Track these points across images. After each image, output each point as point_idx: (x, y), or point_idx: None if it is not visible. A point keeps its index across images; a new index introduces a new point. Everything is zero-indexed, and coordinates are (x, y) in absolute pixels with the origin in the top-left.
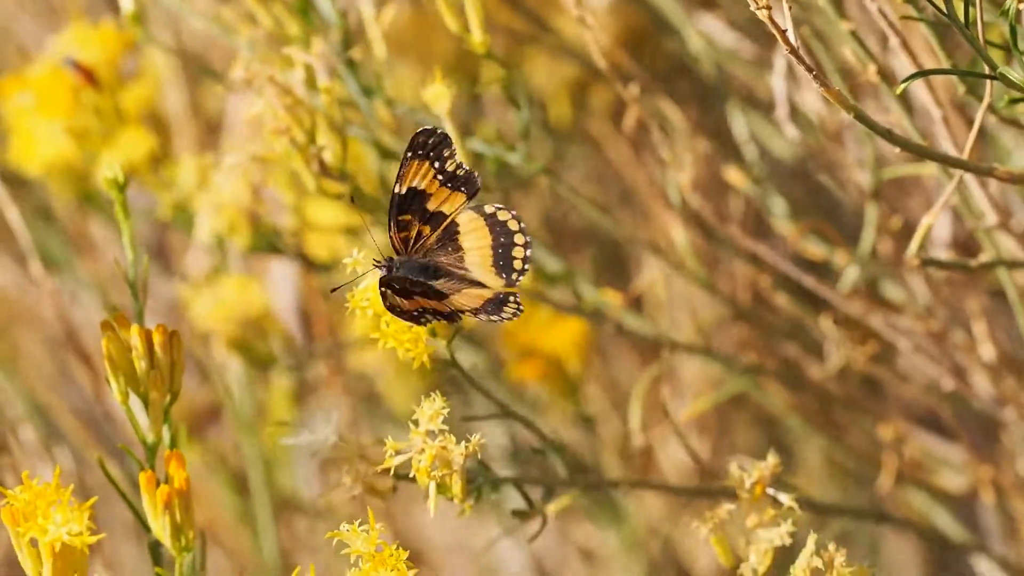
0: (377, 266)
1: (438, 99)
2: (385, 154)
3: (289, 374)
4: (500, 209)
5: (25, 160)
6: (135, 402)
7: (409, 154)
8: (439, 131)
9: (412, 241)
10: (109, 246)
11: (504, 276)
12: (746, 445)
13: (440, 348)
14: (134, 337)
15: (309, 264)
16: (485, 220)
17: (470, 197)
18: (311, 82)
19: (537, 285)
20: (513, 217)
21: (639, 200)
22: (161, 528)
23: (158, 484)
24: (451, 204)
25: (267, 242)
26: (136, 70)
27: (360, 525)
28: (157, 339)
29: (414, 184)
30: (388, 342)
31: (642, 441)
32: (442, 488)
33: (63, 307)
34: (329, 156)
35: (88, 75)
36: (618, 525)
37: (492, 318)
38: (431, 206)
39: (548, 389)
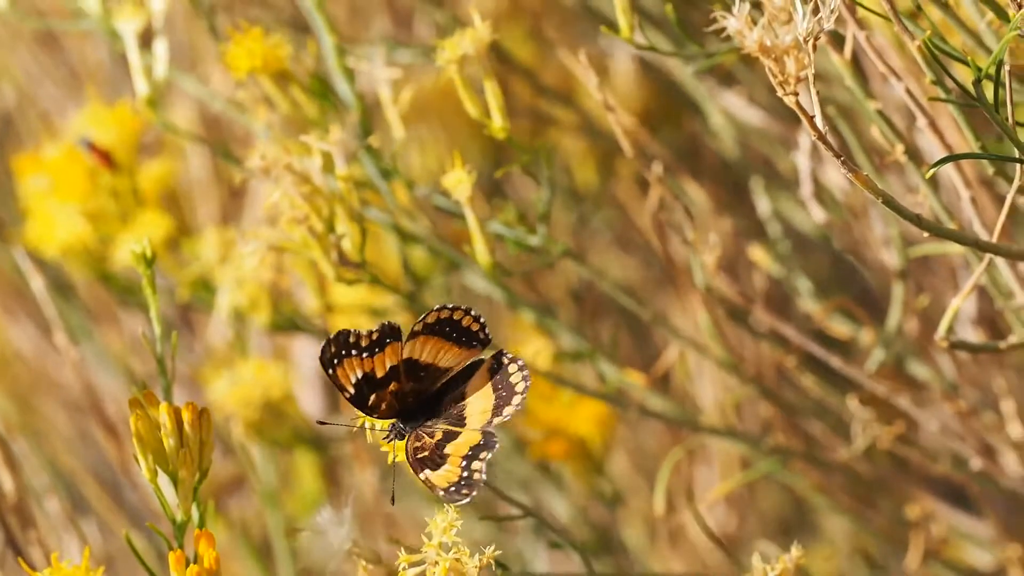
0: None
1: (457, 186)
2: (404, 236)
3: (313, 450)
4: (510, 361)
5: (42, 243)
6: (163, 480)
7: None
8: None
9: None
10: (129, 321)
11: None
12: (773, 520)
13: None
14: (163, 415)
15: None
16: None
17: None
18: (329, 168)
19: (561, 364)
20: (519, 369)
21: (665, 268)
22: None
23: (188, 563)
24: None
25: (288, 321)
26: (156, 144)
27: None
28: (186, 417)
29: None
30: (399, 455)
31: (668, 525)
32: None
33: (86, 376)
34: (348, 245)
35: (104, 157)
36: None
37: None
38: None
39: (572, 468)
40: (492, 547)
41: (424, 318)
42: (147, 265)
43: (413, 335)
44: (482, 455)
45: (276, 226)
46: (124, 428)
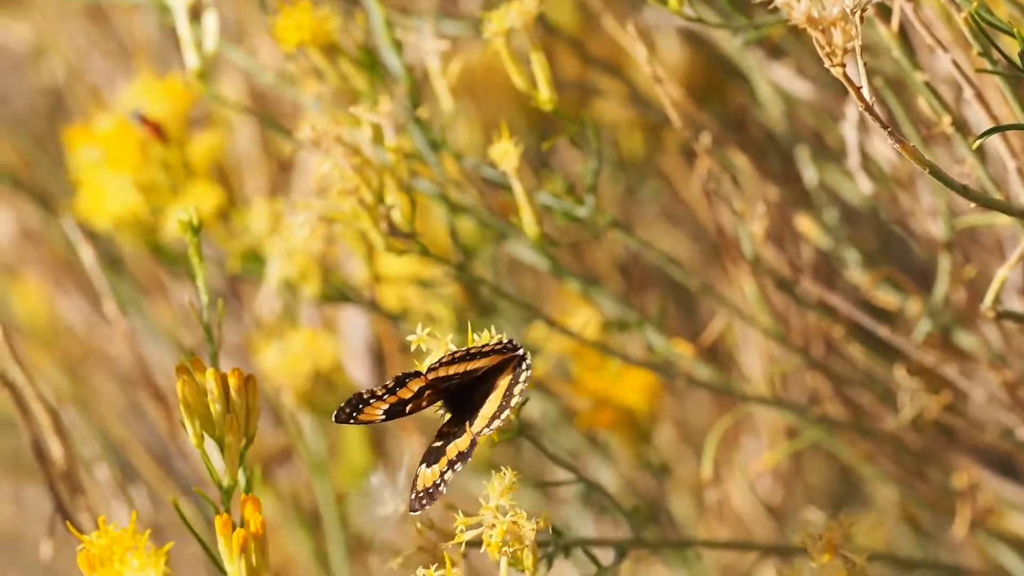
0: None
1: (505, 157)
2: (453, 207)
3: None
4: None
5: (93, 214)
6: (210, 445)
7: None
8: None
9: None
10: (178, 293)
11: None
12: (820, 490)
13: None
14: (209, 381)
15: (381, 313)
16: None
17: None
18: (379, 140)
19: (607, 335)
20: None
21: (712, 239)
22: (237, 572)
23: (234, 528)
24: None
25: (337, 291)
26: (205, 117)
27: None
28: (233, 383)
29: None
30: None
31: (716, 491)
32: (514, 561)
33: (136, 347)
34: (397, 215)
35: (156, 129)
36: (691, 567)
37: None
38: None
39: (619, 438)
40: (544, 514)
41: (441, 359)
42: (194, 233)
43: (432, 370)
44: (456, 466)
45: (326, 197)
46: (173, 398)
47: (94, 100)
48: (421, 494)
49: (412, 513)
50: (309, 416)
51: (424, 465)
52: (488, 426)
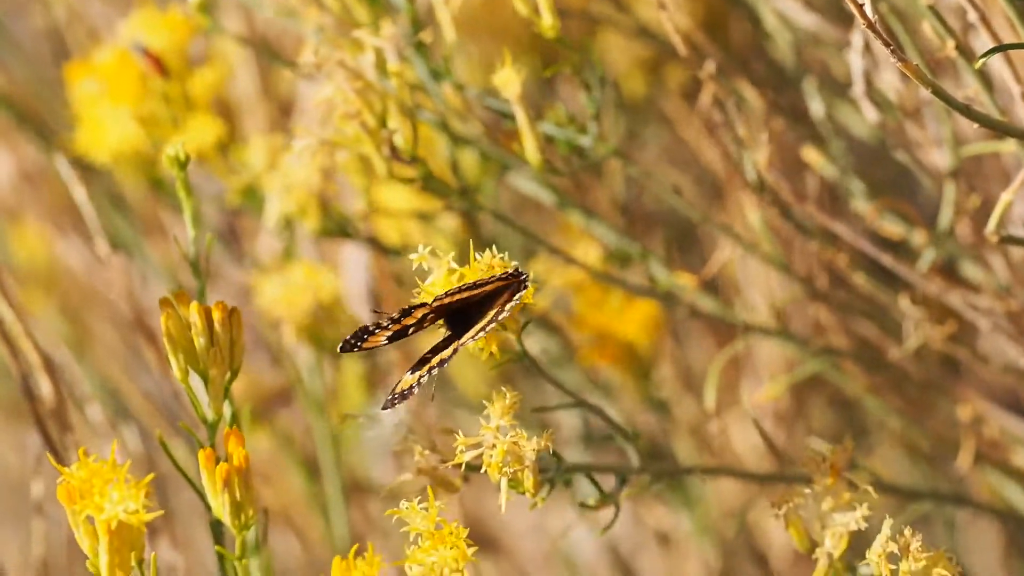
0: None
1: (507, 84)
2: (455, 138)
3: (360, 358)
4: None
5: (93, 148)
6: (196, 381)
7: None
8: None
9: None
10: (179, 231)
11: None
12: (823, 426)
13: (510, 339)
14: (193, 314)
15: (380, 248)
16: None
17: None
18: (381, 66)
19: (609, 267)
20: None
21: (714, 179)
22: (221, 506)
23: (218, 462)
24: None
25: (337, 226)
26: (205, 53)
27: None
28: (216, 316)
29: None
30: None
31: (717, 424)
32: (514, 483)
33: (132, 287)
34: (400, 140)
35: (156, 62)
36: (692, 508)
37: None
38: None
39: (620, 373)
40: (549, 432)
41: (447, 292)
42: (181, 168)
43: (438, 301)
44: (434, 371)
45: (328, 125)
46: None
47: (93, 42)
48: (396, 395)
49: (383, 411)
50: (309, 351)
51: (409, 373)
52: (472, 337)
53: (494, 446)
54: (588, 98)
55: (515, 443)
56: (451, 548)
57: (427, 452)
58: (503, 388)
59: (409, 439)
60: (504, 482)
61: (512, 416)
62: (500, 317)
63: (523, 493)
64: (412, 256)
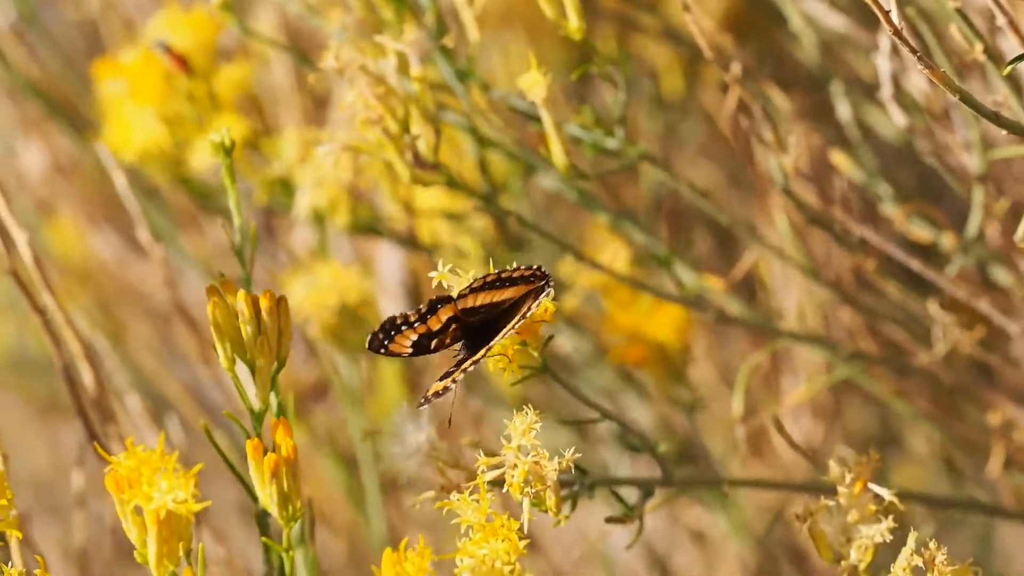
0: None
1: (533, 87)
2: (481, 140)
3: None
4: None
5: (119, 147)
6: (242, 370)
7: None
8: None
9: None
10: (210, 226)
11: None
12: (858, 428)
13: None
14: (240, 303)
15: (411, 245)
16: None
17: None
18: (404, 70)
19: (638, 270)
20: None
21: (750, 177)
22: (268, 497)
23: (265, 452)
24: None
25: (367, 223)
26: (235, 48)
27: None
28: (264, 305)
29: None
30: None
31: (745, 431)
32: (536, 501)
33: (170, 274)
34: (423, 146)
35: (181, 61)
36: (728, 506)
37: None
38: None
39: (652, 374)
40: (572, 450)
41: (471, 284)
42: (226, 154)
43: (462, 297)
44: (467, 371)
45: (352, 128)
46: (207, 330)
47: (128, 33)
48: (426, 397)
49: (419, 408)
50: (336, 351)
51: (439, 380)
52: (500, 339)
53: (515, 466)
54: (614, 100)
55: (536, 463)
56: (503, 541)
57: (448, 470)
58: (532, 404)
59: (432, 455)
60: (527, 502)
61: (542, 415)
62: (527, 316)
63: (546, 512)
64: (432, 274)
